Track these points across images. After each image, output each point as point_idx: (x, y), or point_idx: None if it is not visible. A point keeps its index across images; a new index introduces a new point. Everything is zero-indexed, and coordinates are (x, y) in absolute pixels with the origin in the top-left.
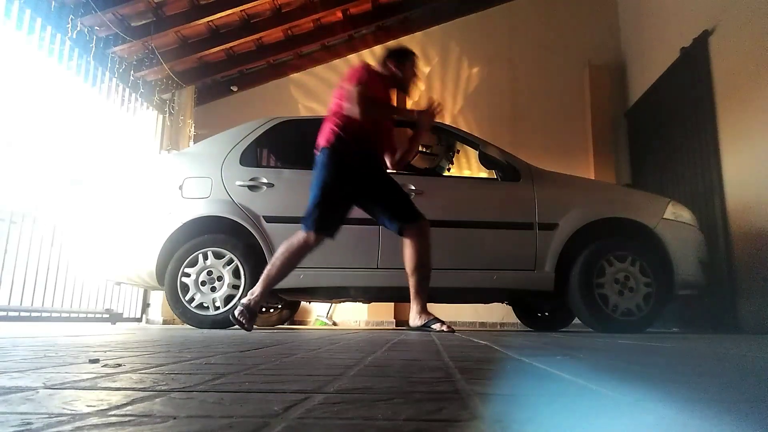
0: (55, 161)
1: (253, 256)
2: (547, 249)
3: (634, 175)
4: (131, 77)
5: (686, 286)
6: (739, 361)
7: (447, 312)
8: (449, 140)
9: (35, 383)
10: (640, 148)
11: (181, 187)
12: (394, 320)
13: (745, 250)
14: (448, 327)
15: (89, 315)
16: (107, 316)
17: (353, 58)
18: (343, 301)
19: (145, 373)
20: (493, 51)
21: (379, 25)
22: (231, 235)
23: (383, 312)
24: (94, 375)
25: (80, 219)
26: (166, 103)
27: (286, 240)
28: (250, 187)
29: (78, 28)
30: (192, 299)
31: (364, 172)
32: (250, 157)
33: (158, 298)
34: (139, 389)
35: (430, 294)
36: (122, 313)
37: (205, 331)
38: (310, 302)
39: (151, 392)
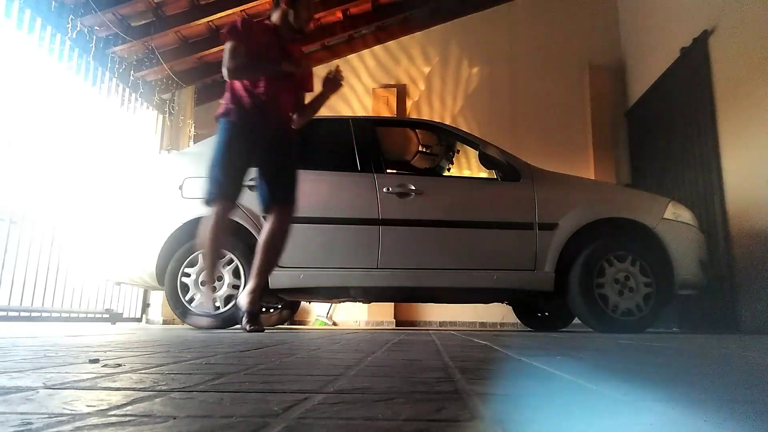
0: (55, 161)
1: (253, 256)
2: (547, 249)
3: (634, 175)
4: (131, 77)
5: (686, 286)
6: (739, 361)
7: (447, 312)
8: (449, 140)
9: (35, 383)
10: (640, 148)
11: (181, 187)
12: (394, 320)
13: (745, 250)
14: (257, 329)
15: (89, 315)
16: (107, 316)
17: (353, 58)
18: (343, 301)
19: (145, 373)
20: (493, 51)
21: (379, 25)
22: (231, 235)
23: (383, 312)
24: (94, 375)
25: (80, 219)
26: (166, 103)
27: (203, 230)
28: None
29: (78, 28)
30: (192, 299)
31: (256, 144)
32: None
33: (158, 298)
34: (139, 389)
35: (430, 294)
36: (122, 313)
37: (205, 331)
38: (310, 302)
39: (151, 392)
